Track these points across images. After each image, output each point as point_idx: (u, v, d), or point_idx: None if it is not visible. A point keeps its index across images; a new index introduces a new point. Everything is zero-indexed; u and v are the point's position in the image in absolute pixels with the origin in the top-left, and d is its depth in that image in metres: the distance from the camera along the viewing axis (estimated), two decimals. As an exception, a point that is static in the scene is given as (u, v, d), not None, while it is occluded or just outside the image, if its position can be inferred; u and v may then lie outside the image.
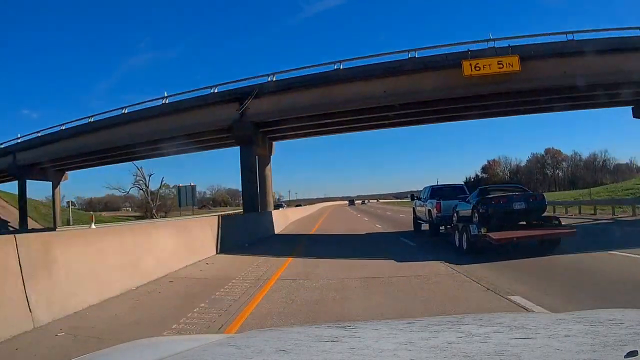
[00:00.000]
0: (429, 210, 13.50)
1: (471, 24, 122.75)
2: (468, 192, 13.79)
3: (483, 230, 8.67)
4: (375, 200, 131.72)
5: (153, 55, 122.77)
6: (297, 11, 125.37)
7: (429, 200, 13.82)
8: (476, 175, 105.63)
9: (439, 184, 15.96)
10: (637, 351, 0.94)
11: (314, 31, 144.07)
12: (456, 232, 9.97)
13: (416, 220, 15.80)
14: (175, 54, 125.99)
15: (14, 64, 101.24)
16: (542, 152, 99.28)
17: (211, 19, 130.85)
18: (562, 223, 9.80)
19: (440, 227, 13.19)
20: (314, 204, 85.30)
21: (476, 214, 9.39)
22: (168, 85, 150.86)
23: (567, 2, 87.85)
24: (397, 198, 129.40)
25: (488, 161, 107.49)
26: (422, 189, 15.75)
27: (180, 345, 1.37)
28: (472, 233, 8.84)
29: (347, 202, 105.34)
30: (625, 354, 0.94)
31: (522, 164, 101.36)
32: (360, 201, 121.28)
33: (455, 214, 10.99)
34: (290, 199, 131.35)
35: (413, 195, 16.96)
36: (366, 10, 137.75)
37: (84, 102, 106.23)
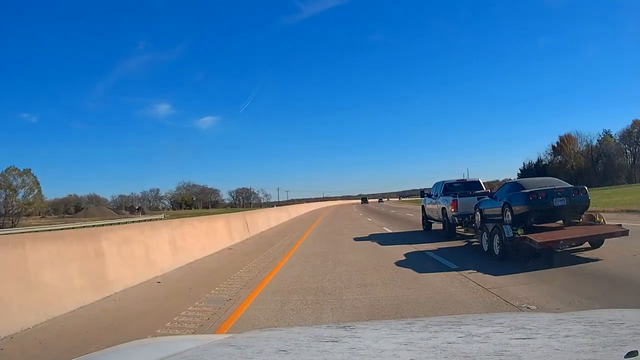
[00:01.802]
0: (443, 209, 12.27)
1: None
2: (484, 188, 12.85)
3: (519, 232, 7.57)
4: (397, 198, 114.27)
5: (152, 56, 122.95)
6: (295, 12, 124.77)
7: (442, 197, 12.56)
8: (538, 160, 77.07)
9: (452, 179, 14.27)
10: (637, 351, 0.93)
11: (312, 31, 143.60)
12: (484, 234, 8.65)
13: (426, 219, 14.63)
14: (175, 54, 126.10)
15: (12, 67, 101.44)
16: (630, 125, 71.29)
17: (211, 19, 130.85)
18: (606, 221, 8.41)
19: (457, 227, 11.73)
20: (309, 203, 62.43)
21: (508, 213, 8.33)
22: (167, 85, 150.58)
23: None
24: (400, 197, 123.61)
25: (560, 137, 76.49)
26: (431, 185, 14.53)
27: (180, 345, 1.38)
28: (506, 235, 7.69)
29: (351, 202, 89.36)
30: (625, 354, 0.94)
31: (594, 144, 73.05)
32: (377, 199, 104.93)
33: (478, 213, 9.80)
34: (280, 199, 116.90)
35: (423, 192, 15.70)
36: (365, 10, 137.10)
37: (84, 103, 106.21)
